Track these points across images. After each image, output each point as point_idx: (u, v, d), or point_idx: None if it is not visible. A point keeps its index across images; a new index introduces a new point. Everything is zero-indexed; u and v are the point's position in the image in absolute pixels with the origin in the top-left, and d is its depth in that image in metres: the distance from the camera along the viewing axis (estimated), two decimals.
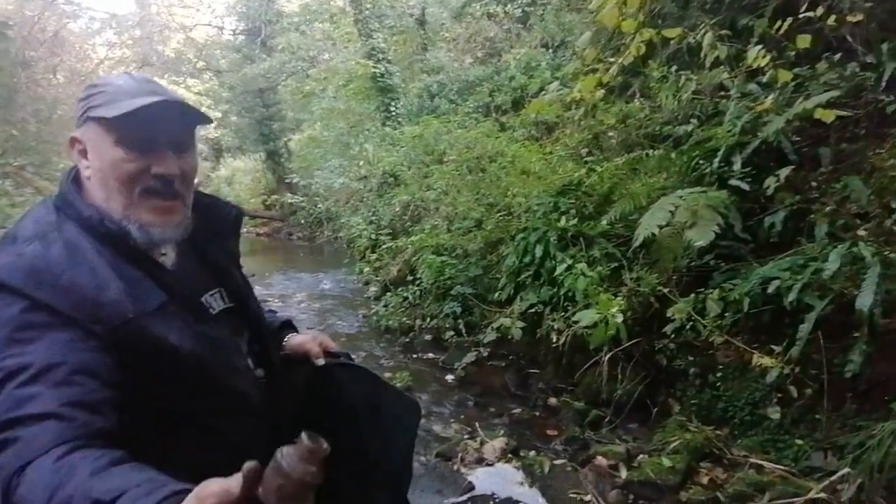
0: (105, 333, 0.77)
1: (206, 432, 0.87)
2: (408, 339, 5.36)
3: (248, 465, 0.50)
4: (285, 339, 1.17)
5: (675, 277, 3.47)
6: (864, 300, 2.47)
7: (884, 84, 3.18)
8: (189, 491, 0.53)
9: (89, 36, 13.93)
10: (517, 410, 3.81)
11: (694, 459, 2.82)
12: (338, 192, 10.41)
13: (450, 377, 4.47)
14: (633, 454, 2.98)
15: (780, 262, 2.98)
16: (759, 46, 2.99)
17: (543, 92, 5.71)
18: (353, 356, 1.24)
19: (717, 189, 3.35)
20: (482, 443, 3.34)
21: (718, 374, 3.13)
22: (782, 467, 2.64)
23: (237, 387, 0.93)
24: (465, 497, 2.84)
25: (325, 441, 0.54)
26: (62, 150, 9.03)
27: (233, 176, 19.43)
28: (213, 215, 1.04)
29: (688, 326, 3.15)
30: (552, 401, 3.81)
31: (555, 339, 3.74)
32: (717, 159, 3.50)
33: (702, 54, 3.30)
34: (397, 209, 7.36)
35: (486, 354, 4.63)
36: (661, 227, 3.19)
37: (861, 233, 2.91)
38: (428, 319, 5.37)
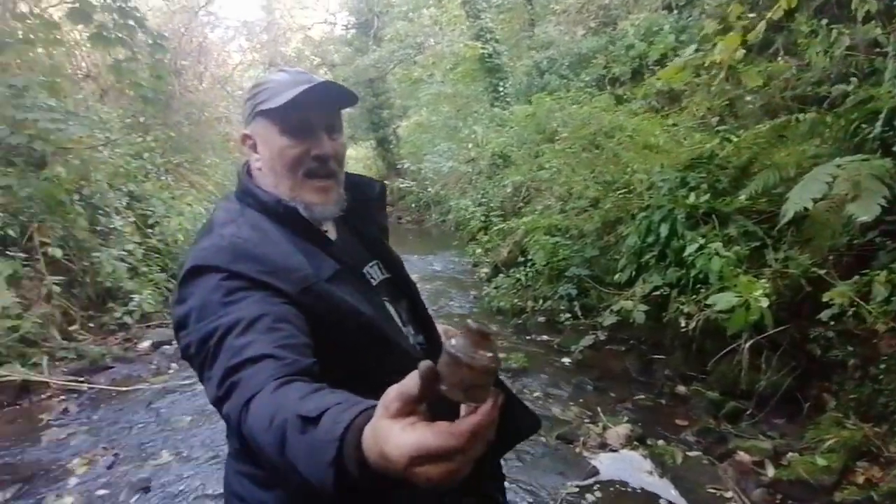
0: (295, 294, 0.85)
1: (381, 391, 0.91)
2: (520, 321, 5.32)
3: (424, 363, 0.50)
4: None
5: (832, 258, 3.06)
6: None
7: None
8: None
9: (225, 43, 15.28)
10: (640, 397, 3.64)
11: (851, 459, 2.54)
12: (446, 176, 10.56)
13: (566, 360, 4.37)
14: (780, 451, 2.72)
15: None
16: None
17: (667, 58, 5.30)
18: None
19: (880, 157, 2.89)
20: (605, 428, 3.23)
21: (881, 366, 2.73)
22: None
23: (407, 349, 0.98)
24: (590, 480, 2.76)
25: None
26: (209, 148, 10.11)
27: (346, 165, 20.51)
28: (361, 192, 1.12)
29: (849, 313, 2.78)
30: (680, 389, 3.58)
31: (683, 324, 3.48)
32: (879, 123, 3.01)
33: (852, 7, 2.92)
34: (508, 190, 7.30)
35: (603, 338, 4.46)
36: (815, 201, 2.81)
37: None
38: (541, 301, 5.28)
